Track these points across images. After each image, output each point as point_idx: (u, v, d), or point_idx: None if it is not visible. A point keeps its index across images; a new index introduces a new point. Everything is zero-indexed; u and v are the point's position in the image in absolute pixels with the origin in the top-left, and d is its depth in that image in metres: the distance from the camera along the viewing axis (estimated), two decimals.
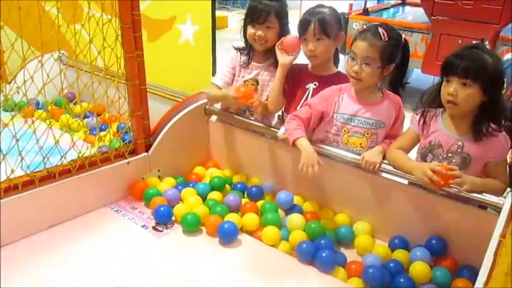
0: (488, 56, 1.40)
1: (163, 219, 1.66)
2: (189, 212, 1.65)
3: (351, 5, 5.66)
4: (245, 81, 1.95)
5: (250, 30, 1.86)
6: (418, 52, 4.30)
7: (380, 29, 1.52)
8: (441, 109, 1.53)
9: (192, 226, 1.62)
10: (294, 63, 1.83)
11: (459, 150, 1.48)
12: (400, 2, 6.05)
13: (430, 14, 4.16)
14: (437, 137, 1.51)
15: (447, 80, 1.44)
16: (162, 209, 1.66)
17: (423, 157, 1.55)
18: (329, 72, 1.84)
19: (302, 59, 1.86)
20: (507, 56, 2.39)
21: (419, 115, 1.55)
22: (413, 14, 5.20)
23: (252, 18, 1.85)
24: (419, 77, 4.96)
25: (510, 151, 1.98)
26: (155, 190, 1.79)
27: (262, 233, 1.60)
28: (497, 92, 1.42)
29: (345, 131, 1.65)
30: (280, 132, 1.73)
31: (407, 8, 5.75)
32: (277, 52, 1.80)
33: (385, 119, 1.64)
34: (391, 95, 1.66)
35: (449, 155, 1.49)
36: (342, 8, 5.43)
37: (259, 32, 1.84)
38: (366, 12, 4.97)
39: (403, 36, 1.61)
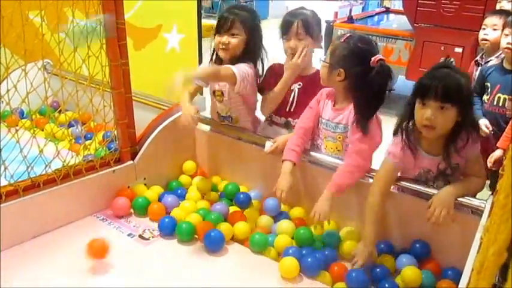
0: (460, 75, 1.39)
1: (167, 231, 1.64)
2: (184, 221, 1.64)
3: (336, 13, 5.73)
4: (214, 91, 1.95)
5: (216, 38, 1.86)
6: (402, 59, 4.36)
7: (348, 34, 1.58)
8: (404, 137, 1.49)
9: (187, 235, 1.61)
10: (277, 62, 1.90)
11: (447, 165, 1.48)
12: (385, 10, 6.15)
13: (413, 21, 4.23)
14: (422, 165, 1.50)
15: (423, 103, 1.39)
16: (166, 220, 1.65)
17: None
18: (310, 71, 1.87)
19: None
20: (492, 62, 2.44)
21: (399, 144, 1.49)
22: (397, 22, 5.28)
23: (218, 26, 1.85)
24: (403, 83, 5.04)
25: (491, 156, 2.02)
26: (144, 199, 1.78)
27: (250, 240, 1.59)
28: (470, 110, 1.44)
29: (323, 136, 1.70)
30: (267, 146, 1.77)
31: (392, 16, 5.83)
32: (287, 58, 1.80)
33: (350, 123, 1.63)
34: None
35: (440, 172, 1.50)
36: (327, 15, 5.50)
37: (223, 39, 1.82)
38: (350, 20, 5.03)
39: (384, 62, 1.54)
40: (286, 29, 1.81)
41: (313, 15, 1.84)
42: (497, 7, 2.60)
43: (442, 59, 1.54)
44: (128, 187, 1.85)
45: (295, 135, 1.71)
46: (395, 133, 1.52)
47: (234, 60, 1.84)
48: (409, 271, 1.42)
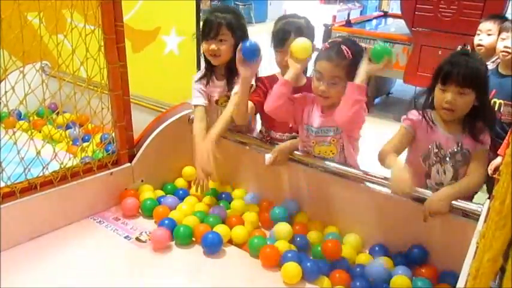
0: (478, 62, 1.50)
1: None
2: (182, 225, 1.64)
3: (334, 17, 5.76)
4: (216, 100, 1.92)
5: (204, 45, 1.81)
6: (399, 63, 4.37)
7: (343, 47, 1.51)
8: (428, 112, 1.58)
9: (185, 239, 1.61)
10: (264, 76, 1.84)
11: (459, 148, 1.54)
12: (383, 14, 6.16)
13: (411, 26, 4.24)
14: (436, 140, 1.56)
15: (443, 88, 1.48)
16: (166, 222, 1.65)
17: (425, 160, 1.58)
18: (303, 81, 1.83)
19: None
20: (488, 66, 2.45)
21: (417, 115, 1.58)
22: (395, 26, 5.29)
23: (205, 32, 1.80)
24: (401, 87, 5.05)
25: (491, 163, 2.03)
26: (152, 201, 1.79)
27: (248, 243, 1.59)
28: (487, 96, 1.53)
29: (313, 142, 1.68)
30: (267, 159, 1.77)
31: (390, 20, 5.85)
32: (238, 64, 1.64)
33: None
34: None
35: (451, 154, 1.55)
36: (325, 19, 5.53)
37: (213, 46, 1.78)
38: (348, 24, 5.04)
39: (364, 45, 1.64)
40: (281, 42, 1.73)
41: (306, 23, 1.78)
42: None
43: (459, 47, 1.61)
44: (126, 189, 1.85)
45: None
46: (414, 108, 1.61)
47: (226, 65, 1.83)
48: (399, 280, 1.42)
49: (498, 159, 2.03)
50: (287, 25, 1.75)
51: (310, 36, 1.77)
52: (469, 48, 1.56)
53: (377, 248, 1.58)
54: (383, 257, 1.52)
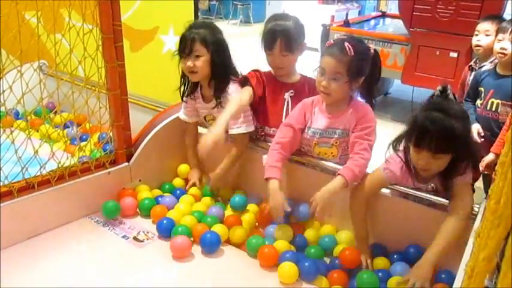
0: (455, 120, 1.30)
1: (166, 233, 1.64)
2: (180, 225, 1.64)
3: (332, 17, 5.76)
4: (205, 117, 1.94)
5: (182, 62, 1.79)
6: (397, 63, 4.38)
7: (346, 44, 1.52)
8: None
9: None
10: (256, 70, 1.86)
11: (431, 186, 1.52)
12: (381, 14, 6.18)
13: (409, 26, 4.26)
14: (410, 184, 1.52)
15: (417, 151, 1.35)
16: (165, 222, 1.65)
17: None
18: (297, 78, 1.86)
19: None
20: (486, 67, 2.46)
21: (400, 167, 1.49)
22: (393, 26, 5.30)
23: (180, 48, 1.77)
24: (399, 87, 5.06)
25: (483, 160, 2.03)
26: (150, 200, 1.79)
27: (247, 243, 1.59)
28: (466, 148, 1.37)
29: (315, 144, 1.68)
30: (264, 160, 1.75)
31: (388, 20, 5.87)
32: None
33: (349, 127, 1.63)
34: (358, 104, 1.63)
35: (424, 190, 1.53)
36: (323, 19, 5.53)
37: (189, 63, 1.75)
38: (347, 24, 5.05)
39: (375, 47, 1.62)
40: (269, 44, 1.76)
41: (295, 25, 1.77)
42: None
43: (438, 89, 1.38)
44: (123, 189, 1.85)
45: (273, 150, 1.66)
46: (394, 149, 1.48)
47: (207, 80, 1.83)
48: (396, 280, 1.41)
49: (490, 156, 2.04)
50: (275, 27, 1.76)
51: (299, 35, 1.78)
52: (449, 91, 1.37)
53: (374, 247, 1.58)
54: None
